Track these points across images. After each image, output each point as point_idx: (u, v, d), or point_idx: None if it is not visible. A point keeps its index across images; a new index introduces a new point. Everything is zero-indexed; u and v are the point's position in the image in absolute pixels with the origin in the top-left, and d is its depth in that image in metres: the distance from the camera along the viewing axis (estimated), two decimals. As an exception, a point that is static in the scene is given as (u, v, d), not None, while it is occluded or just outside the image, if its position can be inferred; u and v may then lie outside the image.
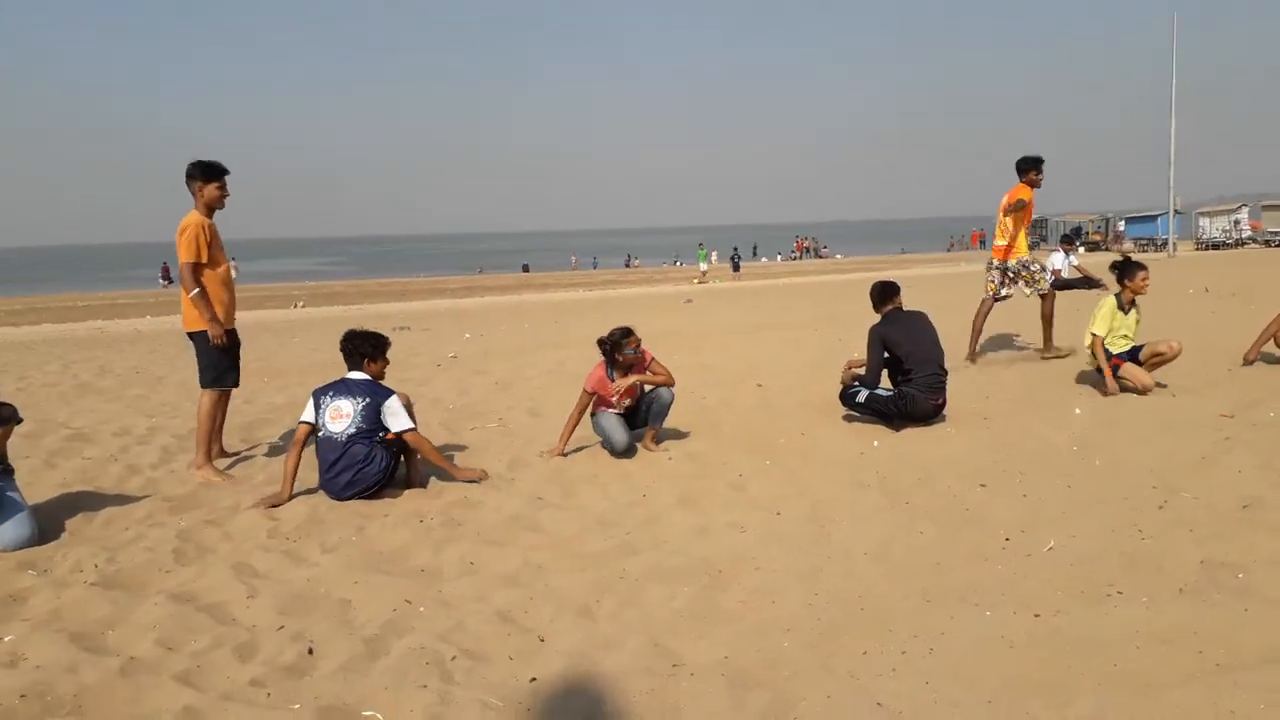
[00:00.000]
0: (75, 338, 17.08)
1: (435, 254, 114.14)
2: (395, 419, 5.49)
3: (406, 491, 5.54)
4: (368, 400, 5.45)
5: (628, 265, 61.83)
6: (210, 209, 6.03)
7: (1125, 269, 7.48)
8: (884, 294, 6.86)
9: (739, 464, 5.93)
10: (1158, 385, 7.34)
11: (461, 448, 6.59)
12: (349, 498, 5.35)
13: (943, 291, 19.79)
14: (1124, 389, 7.30)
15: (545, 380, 9.50)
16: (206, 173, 5.98)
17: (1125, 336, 7.49)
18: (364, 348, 5.61)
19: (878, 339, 6.68)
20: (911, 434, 6.45)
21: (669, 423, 6.72)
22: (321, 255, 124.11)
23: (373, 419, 5.42)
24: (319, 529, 4.96)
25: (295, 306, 27.45)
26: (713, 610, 3.75)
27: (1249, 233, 44.65)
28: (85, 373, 11.45)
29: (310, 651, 3.49)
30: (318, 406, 5.48)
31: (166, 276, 47.43)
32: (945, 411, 6.79)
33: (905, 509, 4.91)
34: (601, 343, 6.23)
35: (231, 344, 6.16)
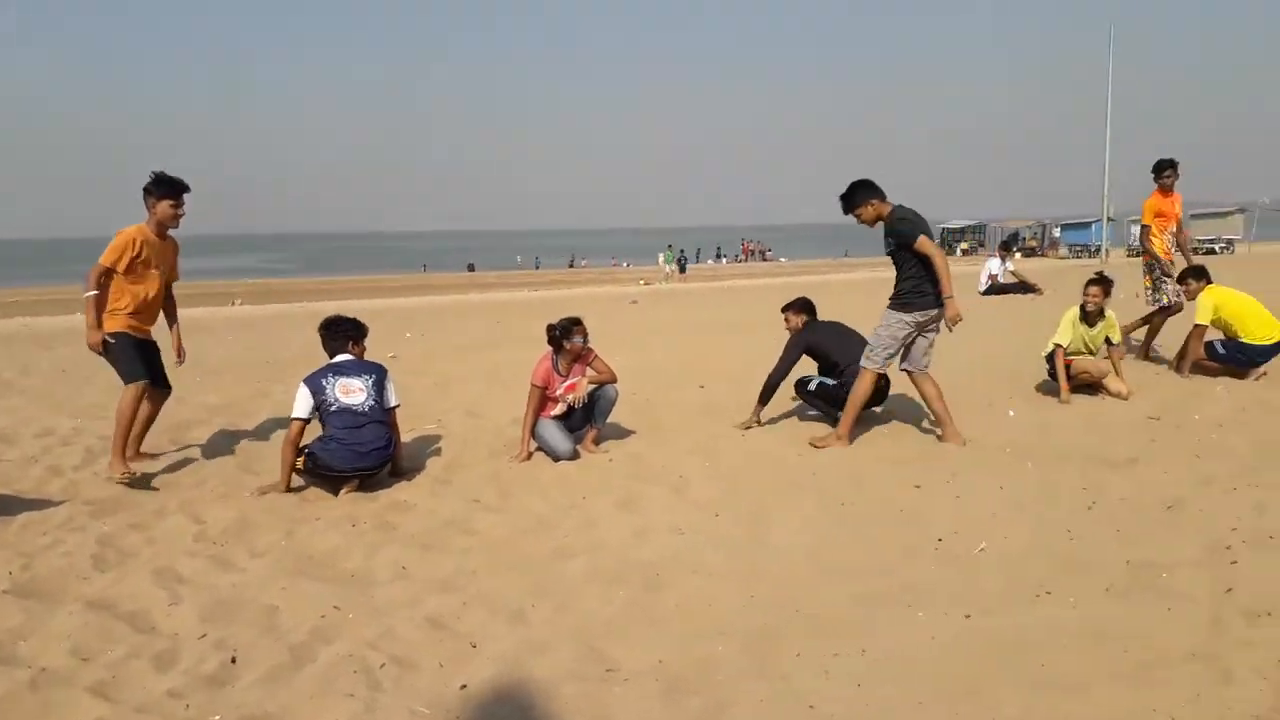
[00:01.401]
0: (0, 334, 16.53)
1: (381, 252, 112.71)
2: (392, 393, 5.75)
3: (342, 494, 5.43)
4: (374, 376, 5.65)
5: (571, 265, 61.66)
6: (162, 226, 5.82)
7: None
8: (808, 307, 7.13)
9: (680, 466, 5.91)
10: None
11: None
12: (360, 469, 5.44)
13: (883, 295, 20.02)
14: (1093, 388, 7.40)
15: (486, 381, 9.39)
16: (163, 189, 5.74)
17: (1086, 349, 7.52)
18: (349, 330, 5.83)
19: (802, 342, 6.87)
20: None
21: (611, 422, 6.68)
22: (266, 252, 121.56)
23: (381, 392, 5.62)
24: (248, 533, 4.84)
25: (233, 304, 26.89)
26: (649, 614, 3.72)
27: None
28: (8, 370, 11.06)
29: (233, 660, 3.39)
30: (318, 391, 5.51)
31: None
32: (885, 414, 6.86)
33: (842, 510, 4.93)
34: (550, 328, 6.26)
35: (147, 351, 5.94)
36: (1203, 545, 4.16)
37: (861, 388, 6.13)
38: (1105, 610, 3.58)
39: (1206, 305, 7.89)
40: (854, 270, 39.78)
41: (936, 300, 5.89)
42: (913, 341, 6.11)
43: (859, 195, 6.00)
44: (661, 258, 42.31)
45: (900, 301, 6.02)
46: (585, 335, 6.24)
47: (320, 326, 5.88)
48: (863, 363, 6.17)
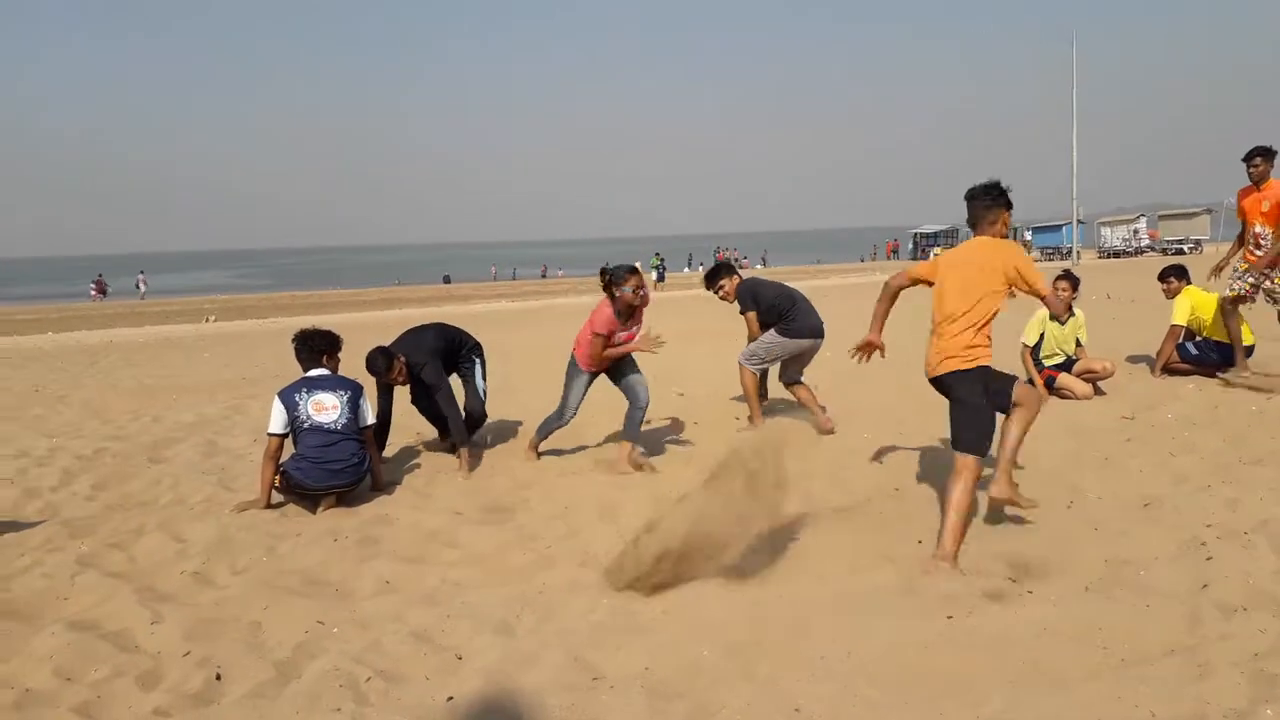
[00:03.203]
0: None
1: (353, 266, 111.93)
2: (368, 411, 5.72)
3: (321, 510, 5.40)
4: (349, 392, 5.58)
5: (544, 276, 61.60)
6: None
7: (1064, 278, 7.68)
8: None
9: (665, 472, 5.94)
10: (1097, 393, 7.51)
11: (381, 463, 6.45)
12: (334, 487, 5.41)
13: (858, 299, 20.15)
14: (1063, 397, 7.46)
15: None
16: None
17: (1060, 350, 7.62)
18: (321, 344, 5.76)
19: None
20: (835, 440, 6.55)
21: (590, 428, 6.67)
22: (233, 268, 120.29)
23: (355, 410, 5.57)
24: (228, 550, 4.80)
25: (206, 321, 26.68)
26: (633, 621, 3.74)
27: (1147, 241, 46.59)
28: (-20, 392, 10.93)
29: (218, 677, 3.37)
30: (292, 406, 5.48)
31: (102, 290, 46.87)
32: (856, 416, 6.93)
33: (828, 513, 4.96)
34: (603, 272, 6.05)
35: None
36: (1178, 542, 4.23)
37: (748, 383, 6.88)
38: (1085, 608, 3.63)
39: (1184, 306, 8.00)
40: (828, 277, 39.98)
41: (811, 333, 6.82)
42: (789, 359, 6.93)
43: (720, 275, 7.15)
44: (639, 265, 42.41)
45: (785, 329, 6.83)
46: (639, 286, 5.99)
47: (294, 339, 5.83)
48: (745, 363, 6.89)
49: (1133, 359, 8.96)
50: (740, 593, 3.94)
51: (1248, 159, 7.63)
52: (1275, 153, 7.57)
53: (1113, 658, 3.22)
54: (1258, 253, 7.65)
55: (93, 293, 47.00)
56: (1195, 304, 8.00)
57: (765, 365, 6.92)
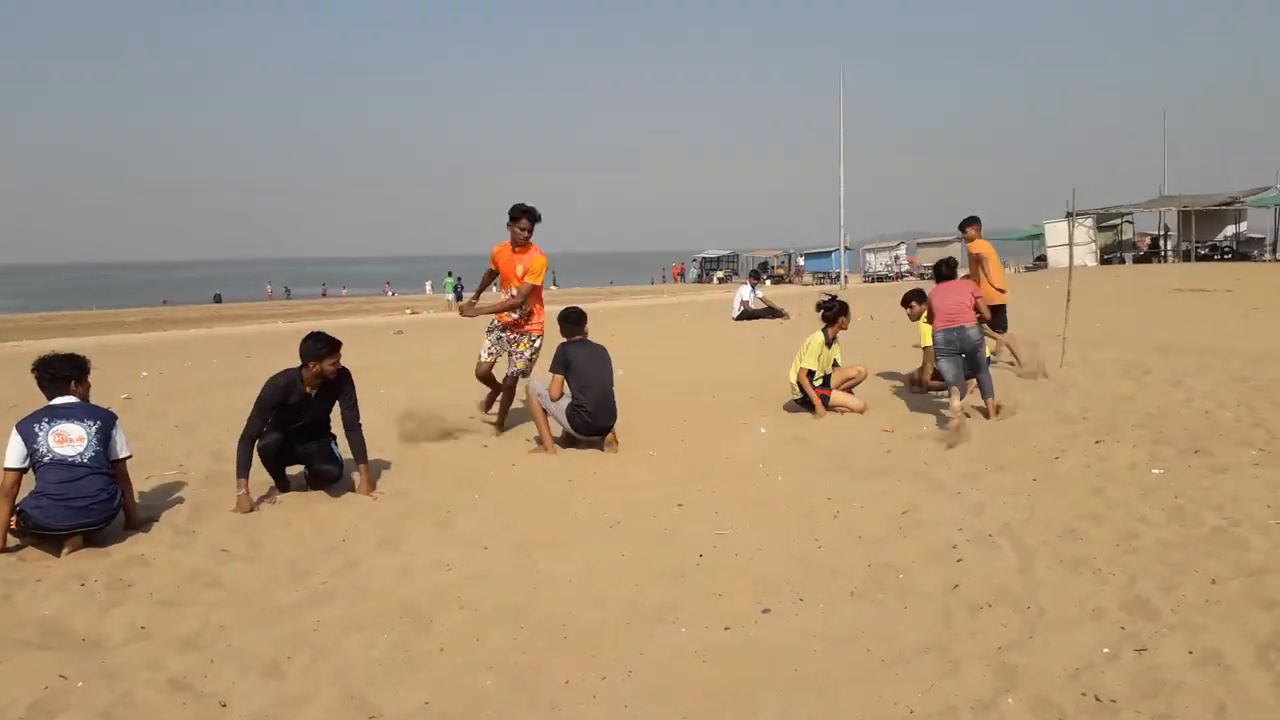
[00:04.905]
0: None
1: (114, 284, 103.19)
2: (122, 443, 5.25)
3: (66, 552, 4.90)
4: (98, 423, 5.11)
5: (324, 295, 59.22)
6: None
7: (832, 309, 8.06)
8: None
9: (447, 500, 5.79)
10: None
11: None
12: (80, 526, 4.92)
13: (655, 318, 20.61)
14: (842, 412, 7.87)
15: (234, 421, 8.78)
16: None
17: (823, 371, 8.06)
18: (68, 370, 5.24)
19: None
20: (619, 459, 6.64)
21: (373, 458, 6.44)
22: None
23: (105, 441, 5.10)
24: (-50, 602, 4.27)
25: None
26: (413, 655, 3.62)
27: (907, 267, 50.41)
28: None
29: (-66, 749, 2.99)
30: (31, 438, 4.95)
31: None
32: (647, 437, 7.05)
33: (609, 533, 5.02)
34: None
35: None
36: (933, 546, 4.56)
37: (536, 410, 6.90)
38: (850, 612, 3.85)
39: (928, 328, 8.66)
40: (619, 298, 40.70)
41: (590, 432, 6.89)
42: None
43: (571, 320, 7.05)
44: (429, 285, 41.51)
45: (571, 416, 6.84)
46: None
47: (34, 366, 5.28)
48: (535, 396, 6.89)
49: (890, 375, 9.63)
50: (525, 620, 3.91)
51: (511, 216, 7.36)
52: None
53: (874, 659, 3.42)
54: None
55: None
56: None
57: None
